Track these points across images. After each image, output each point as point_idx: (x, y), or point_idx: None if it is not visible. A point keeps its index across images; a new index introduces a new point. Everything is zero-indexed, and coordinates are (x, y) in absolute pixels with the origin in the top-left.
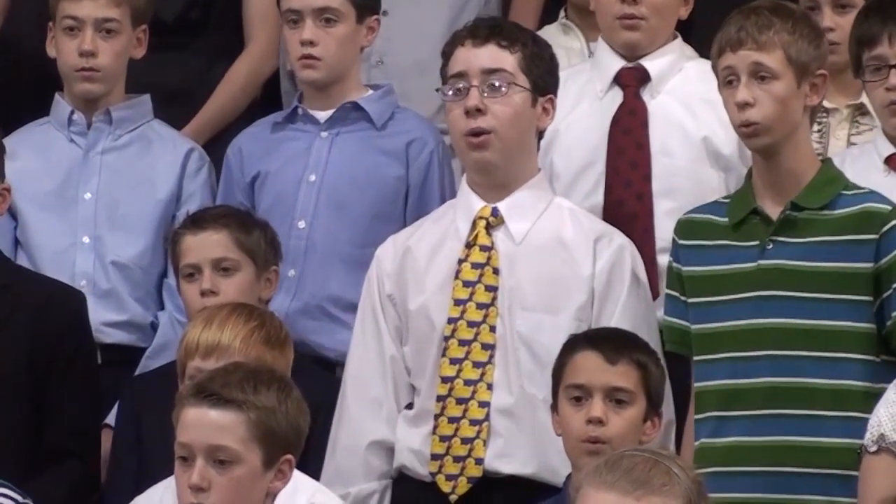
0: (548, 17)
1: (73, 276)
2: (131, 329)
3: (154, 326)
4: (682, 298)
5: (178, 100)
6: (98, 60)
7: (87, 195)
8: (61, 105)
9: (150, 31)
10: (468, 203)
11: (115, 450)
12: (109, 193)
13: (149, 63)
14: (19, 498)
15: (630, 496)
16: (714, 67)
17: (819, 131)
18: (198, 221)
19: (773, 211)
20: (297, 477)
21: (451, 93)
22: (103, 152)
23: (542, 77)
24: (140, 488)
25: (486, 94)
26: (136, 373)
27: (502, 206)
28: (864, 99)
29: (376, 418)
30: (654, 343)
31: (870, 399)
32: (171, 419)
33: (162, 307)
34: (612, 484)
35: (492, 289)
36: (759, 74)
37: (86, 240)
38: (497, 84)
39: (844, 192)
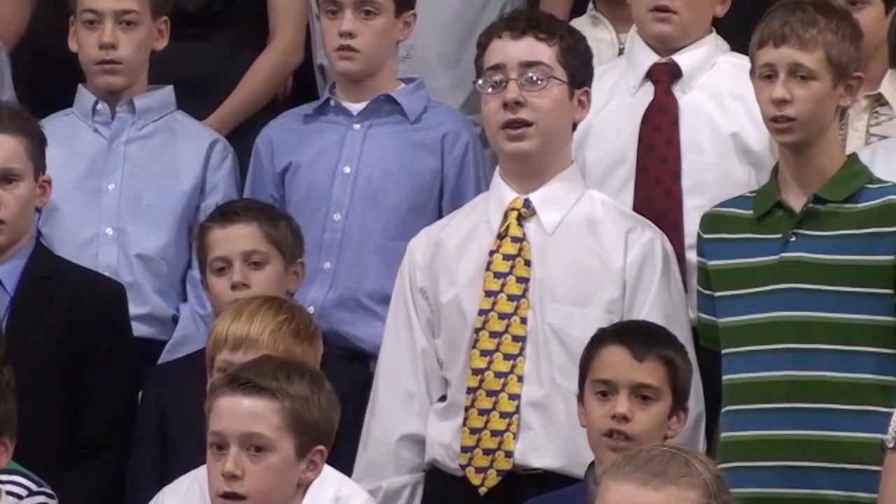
0: (576, 9)
1: (96, 268)
2: (152, 322)
3: (175, 320)
4: (708, 293)
5: (198, 90)
6: (118, 53)
7: (111, 186)
8: (85, 95)
9: (172, 21)
10: (500, 194)
11: (138, 440)
12: (133, 184)
13: (170, 53)
14: (34, 487)
15: (648, 486)
16: (752, 57)
17: None
18: (226, 214)
19: (797, 204)
20: (325, 470)
21: (489, 86)
22: (127, 142)
23: (579, 69)
24: (164, 477)
25: (524, 87)
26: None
27: (534, 197)
28: (883, 89)
29: (408, 411)
30: (685, 335)
31: (889, 393)
32: (195, 408)
33: (185, 299)
34: (630, 475)
35: (523, 280)
36: (798, 74)
37: (109, 231)
38: (535, 77)
39: (868, 185)
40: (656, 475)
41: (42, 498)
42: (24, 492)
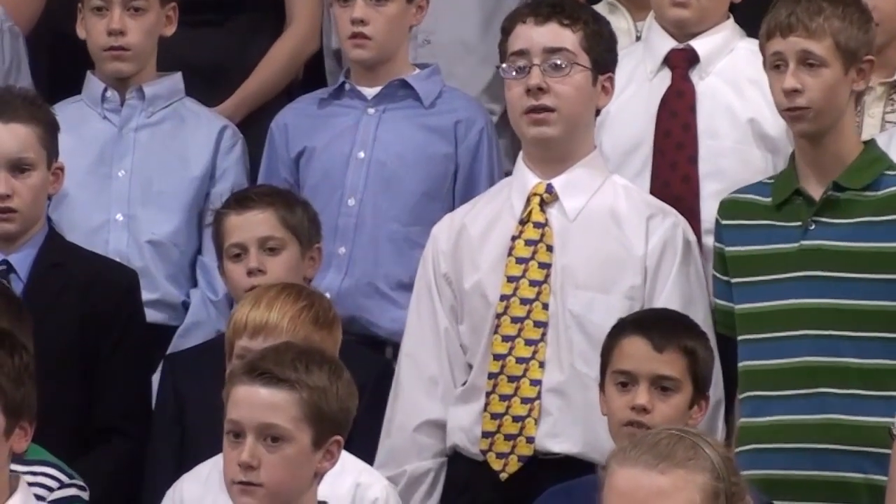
0: None
1: (107, 254)
2: (162, 308)
3: (185, 305)
4: (725, 279)
5: (214, 77)
6: (127, 39)
7: (121, 172)
8: (94, 82)
9: (187, 7)
10: (523, 180)
11: (156, 427)
12: (143, 171)
13: (186, 40)
14: (65, 479)
15: (654, 470)
16: (761, 48)
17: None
18: (242, 201)
19: (816, 191)
20: (344, 457)
21: (512, 71)
22: (137, 129)
23: (602, 55)
24: (183, 465)
25: (547, 73)
26: (168, 352)
27: (557, 182)
28: None
29: (432, 397)
30: (704, 321)
31: None
32: (213, 395)
33: (195, 284)
34: (636, 459)
35: (545, 266)
36: (808, 62)
37: (119, 217)
38: (559, 63)
39: (888, 171)
40: (662, 458)
41: (73, 490)
42: (55, 484)
